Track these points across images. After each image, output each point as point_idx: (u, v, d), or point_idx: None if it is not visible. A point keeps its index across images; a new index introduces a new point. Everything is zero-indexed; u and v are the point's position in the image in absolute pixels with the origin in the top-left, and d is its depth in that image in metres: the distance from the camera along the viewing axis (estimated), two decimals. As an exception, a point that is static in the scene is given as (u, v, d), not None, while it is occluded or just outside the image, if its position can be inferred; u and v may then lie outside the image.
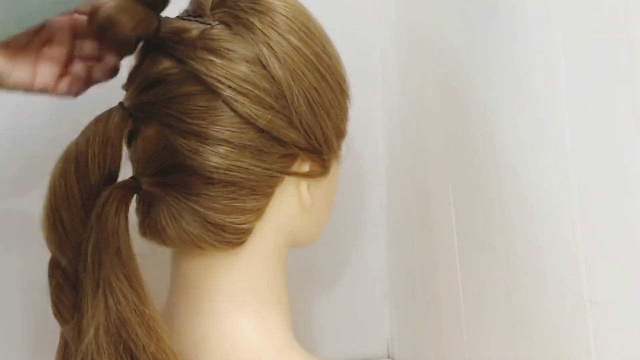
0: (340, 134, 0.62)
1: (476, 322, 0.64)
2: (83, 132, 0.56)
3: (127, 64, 0.59)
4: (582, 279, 0.46)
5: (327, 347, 0.91)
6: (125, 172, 0.58)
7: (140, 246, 0.57)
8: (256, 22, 0.56)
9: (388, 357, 0.93)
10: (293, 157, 0.58)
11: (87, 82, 0.58)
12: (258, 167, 0.56)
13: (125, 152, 0.58)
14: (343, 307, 0.92)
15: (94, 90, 0.58)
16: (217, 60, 0.55)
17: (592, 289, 0.45)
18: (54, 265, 0.58)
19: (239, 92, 0.55)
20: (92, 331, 0.53)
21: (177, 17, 0.58)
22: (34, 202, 0.58)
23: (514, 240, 0.55)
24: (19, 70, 0.54)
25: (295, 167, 0.59)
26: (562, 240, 0.48)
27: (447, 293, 0.70)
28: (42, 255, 0.57)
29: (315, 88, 0.57)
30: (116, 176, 0.57)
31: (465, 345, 0.66)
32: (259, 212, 0.58)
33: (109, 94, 0.58)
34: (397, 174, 0.86)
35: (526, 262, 0.54)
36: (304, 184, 0.60)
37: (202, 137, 0.55)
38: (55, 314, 0.58)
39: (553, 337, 0.50)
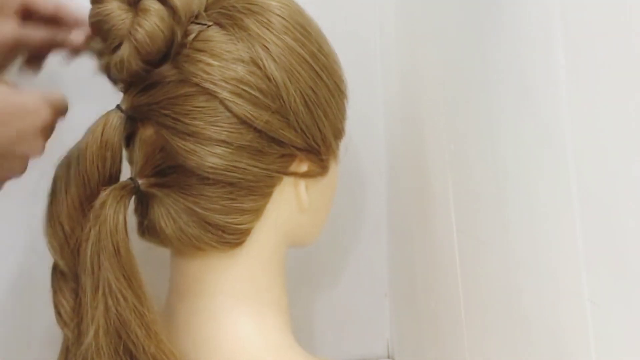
0: (339, 133, 0.62)
1: (476, 322, 0.64)
2: (83, 137, 0.56)
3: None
4: (582, 279, 0.46)
5: (327, 347, 0.90)
6: (125, 172, 0.58)
7: (139, 247, 0.57)
8: (251, 22, 0.56)
9: (388, 357, 0.93)
10: (291, 157, 0.58)
11: None
12: (256, 167, 0.56)
13: (123, 153, 0.58)
14: (343, 307, 0.91)
15: (92, 93, 0.58)
16: (212, 62, 0.55)
17: (592, 289, 0.45)
18: (56, 270, 0.58)
19: (235, 93, 0.55)
20: (91, 333, 0.53)
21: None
22: (35, 206, 0.58)
23: (514, 240, 0.55)
24: None
25: (294, 167, 0.59)
26: (562, 240, 0.48)
27: (447, 293, 0.70)
28: (42, 257, 0.57)
29: (311, 88, 0.57)
30: (117, 179, 0.57)
31: (465, 345, 0.66)
32: (257, 212, 0.58)
33: (108, 95, 0.58)
34: (397, 174, 0.86)
35: (526, 262, 0.53)
36: (302, 184, 0.59)
37: (200, 138, 0.55)
38: (57, 318, 0.58)
39: (553, 337, 0.50)
